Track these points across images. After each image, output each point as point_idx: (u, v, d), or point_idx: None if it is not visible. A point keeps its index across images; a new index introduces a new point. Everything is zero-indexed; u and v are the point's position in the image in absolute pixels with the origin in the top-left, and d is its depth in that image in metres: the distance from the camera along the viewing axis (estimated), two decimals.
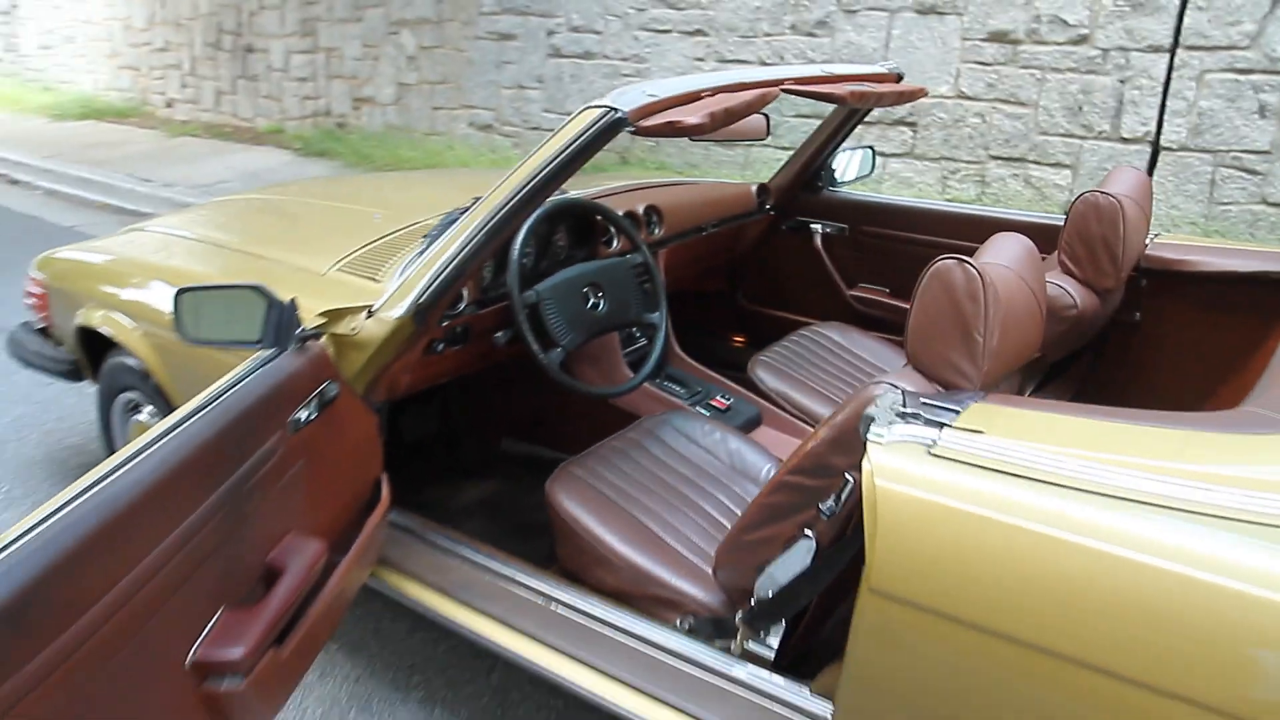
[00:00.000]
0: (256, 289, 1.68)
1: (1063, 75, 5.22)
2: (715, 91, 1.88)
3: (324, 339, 1.85)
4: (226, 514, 1.47)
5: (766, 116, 2.53)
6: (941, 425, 1.35)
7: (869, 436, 1.36)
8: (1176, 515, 1.15)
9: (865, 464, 1.33)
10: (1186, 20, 4.78)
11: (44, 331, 3.11)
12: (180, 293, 1.71)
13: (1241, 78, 4.69)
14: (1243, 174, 4.77)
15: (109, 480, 1.24)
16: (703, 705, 1.73)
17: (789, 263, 3.35)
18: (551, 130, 1.81)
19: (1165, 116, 4.90)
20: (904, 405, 1.40)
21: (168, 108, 11.25)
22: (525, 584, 1.98)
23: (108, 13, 11.81)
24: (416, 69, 8.52)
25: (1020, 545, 1.21)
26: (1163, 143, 4.92)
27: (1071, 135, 5.24)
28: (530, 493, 2.61)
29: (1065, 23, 5.15)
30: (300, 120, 9.68)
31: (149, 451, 1.33)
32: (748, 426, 2.64)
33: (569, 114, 1.80)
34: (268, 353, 1.72)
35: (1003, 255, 1.64)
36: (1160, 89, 4.88)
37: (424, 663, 2.44)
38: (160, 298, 2.48)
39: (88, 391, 4.02)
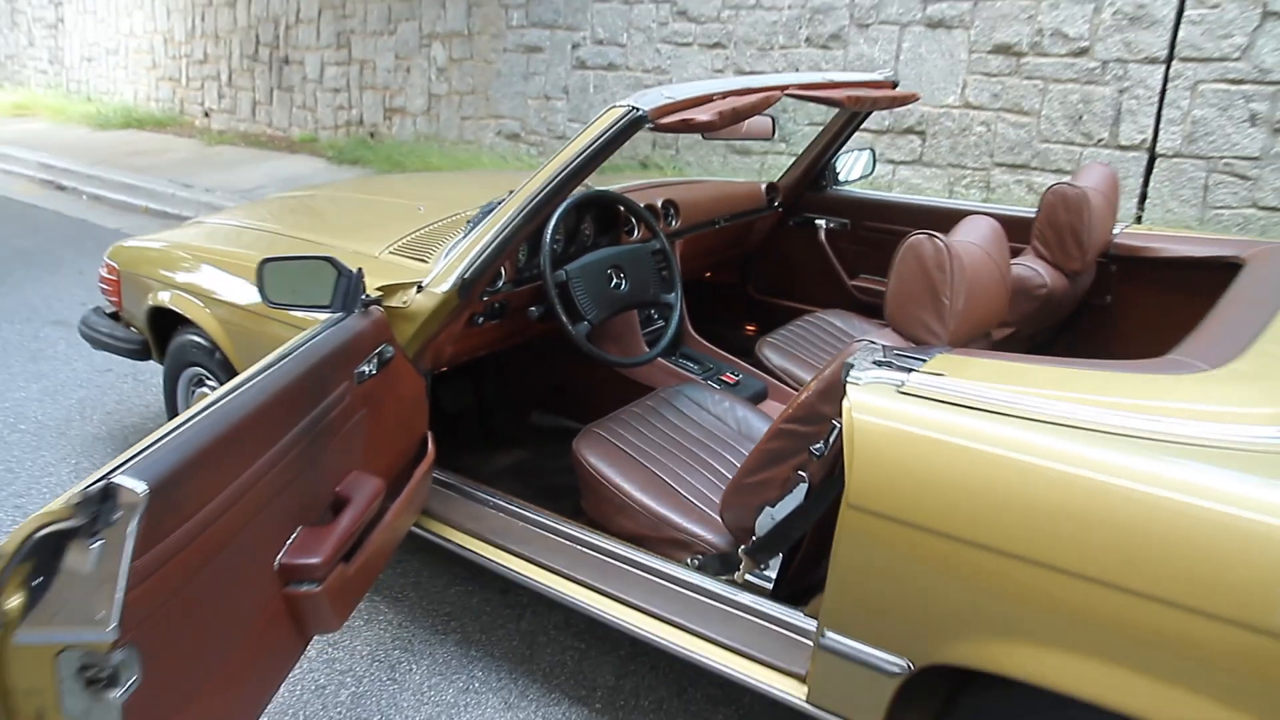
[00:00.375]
0: (329, 260, 1.96)
1: (1064, 86, 5.46)
2: (725, 95, 2.14)
3: (388, 300, 2.13)
4: (306, 446, 1.74)
5: (773, 119, 2.79)
6: (910, 370, 1.60)
7: (848, 380, 1.62)
8: (1096, 436, 1.40)
9: (845, 402, 1.58)
10: (1181, 33, 5.03)
11: (114, 316, 3.40)
12: (263, 263, 1.99)
13: (1233, 88, 4.92)
14: (1234, 179, 4.99)
15: (221, 403, 1.52)
16: (709, 626, 1.98)
17: (795, 256, 3.61)
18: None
19: (1161, 125, 5.18)
20: (880, 356, 1.66)
21: (205, 117, 11.64)
22: (554, 528, 2.24)
23: (150, 26, 12.23)
24: (446, 80, 8.84)
25: (971, 463, 1.47)
26: (1159, 149, 5.19)
27: (1072, 143, 5.47)
28: (557, 459, 2.87)
29: (1066, 36, 5.39)
30: (333, 129, 10.03)
31: (249, 384, 1.60)
32: (755, 399, 2.90)
33: None
34: (336, 315, 1.99)
35: (970, 234, 1.89)
36: (1156, 98, 5.15)
37: (460, 611, 2.70)
38: (226, 280, 2.77)
39: (142, 378, 4.34)
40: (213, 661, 1.49)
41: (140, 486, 1.23)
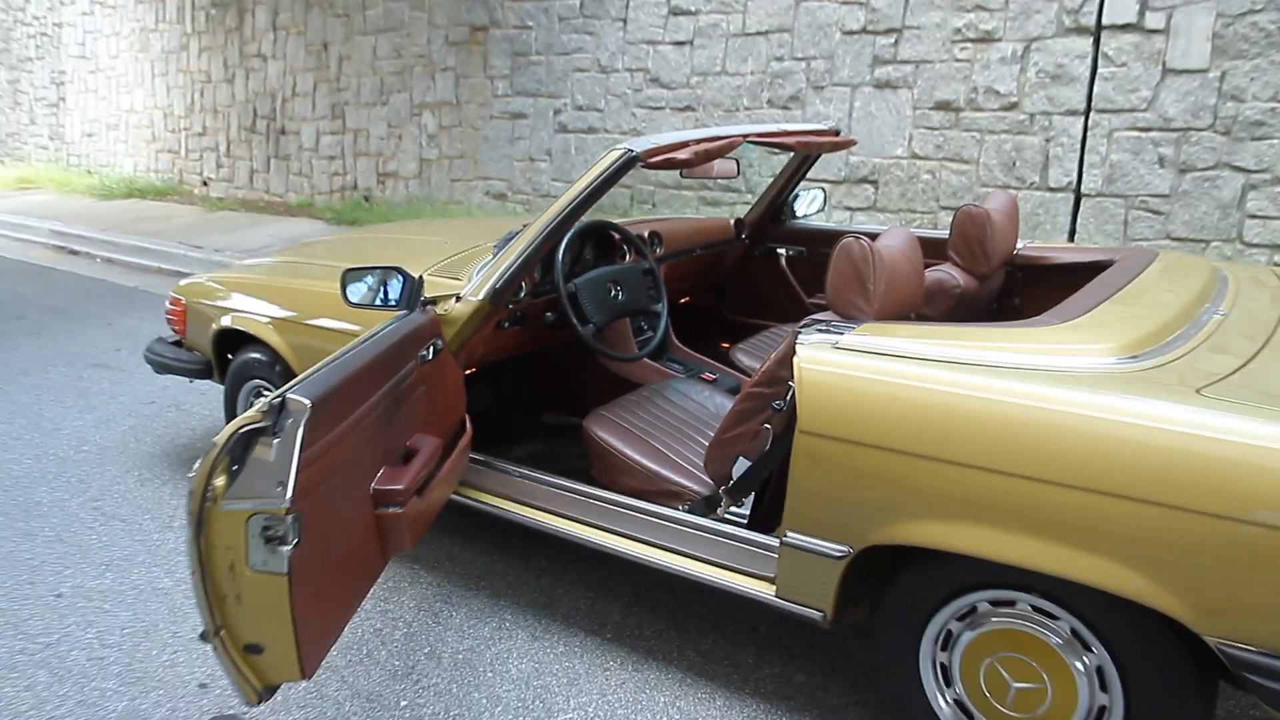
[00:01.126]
0: (397, 269, 2.53)
1: (998, 136, 6.15)
2: (700, 141, 2.74)
3: (435, 307, 2.69)
4: (389, 404, 2.28)
5: (737, 162, 3.40)
6: (843, 333, 2.18)
7: (798, 343, 2.19)
8: (974, 367, 1.97)
9: (796, 358, 2.15)
10: (1096, 88, 5.74)
11: (177, 344, 3.93)
12: (345, 272, 2.56)
13: (1143, 135, 5.62)
14: (1149, 214, 5.67)
15: (343, 359, 2.07)
16: (699, 550, 2.51)
17: (761, 280, 4.21)
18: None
19: (1084, 168, 5.86)
20: (822, 326, 2.24)
21: (204, 186, 12.25)
22: (571, 488, 2.77)
23: (150, 102, 12.90)
24: (437, 146, 9.50)
25: (888, 392, 2.03)
26: (1083, 190, 5.87)
27: (1008, 186, 6.14)
28: (566, 450, 3.41)
29: (998, 93, 6.10)
30: (329, 194, 10.65)
31: (356, 350, 2.16)
32: (730, 392, 3.45)
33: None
34: (402, 312, 2.55)
35: (890, 240, 2.47)
36: (1078, 146, 5.85)
37: (488, 574, 3.21)
38: (288, 302, 3.33)
39: (184, 408, 4.86)
40: (335, 549, 2.01)
41: (306, 400, 1.77)
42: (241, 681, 1.90)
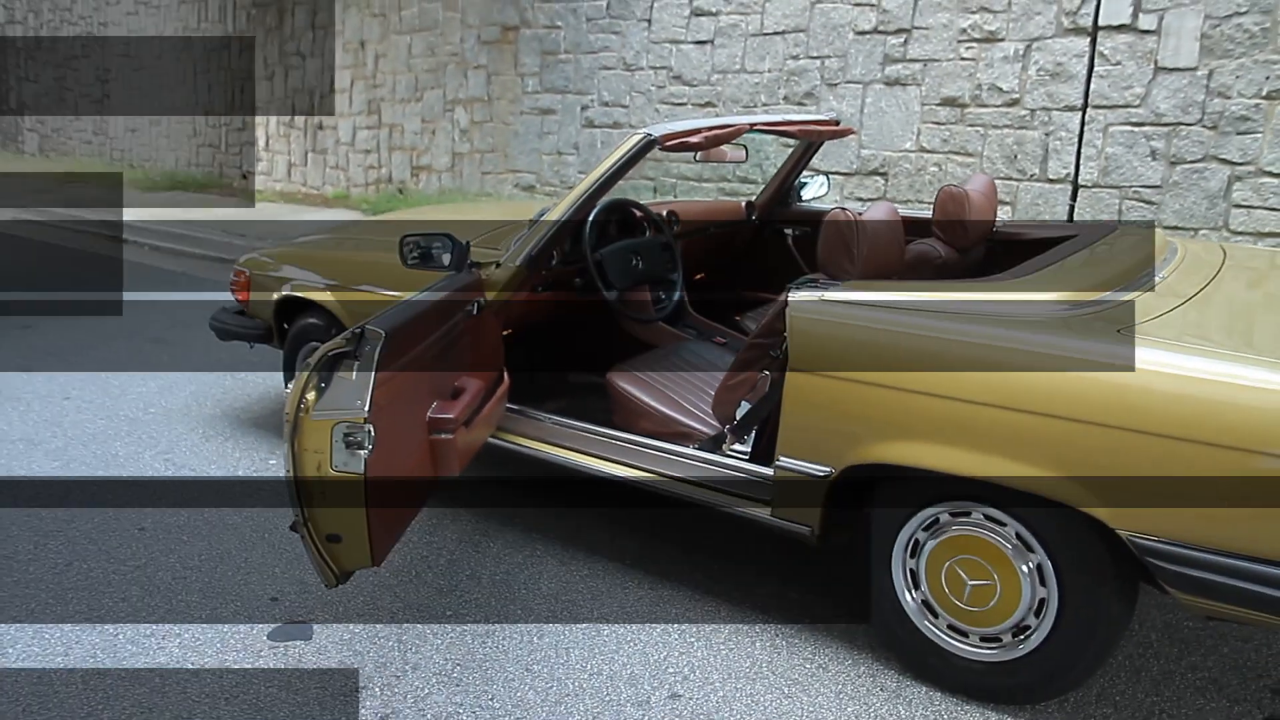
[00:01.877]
0: (448, 235, 2.93)
1: (1001, 131, 6.50)
2: (711, 128, 3.13)
3: (480, 270, 3.09)
4: (442, 347, 2.68)
5: (746, 149, 3.78)
6: (828, 287, 2.56)
7: (789, 297, 2.57)
8: (934, 312, 2.35)
9: (787, 307, 2.53)
10: (1092, 86, 6.08)
11: (240, 312, 4.35)
12: (403, 237, 2.96)
13: (1136, 129, 5.95)
14: (1142, 204, 6.00)
15: (412, 303, 2.47)
16: (705, 479, 2.89)
17: (770, 258, 4.59)
18: None
19: (1081, 161, 6.19)
20: (811, 283, 2.62)
21: (243, 179, 12.76)
22: (596, 430, 3.16)
23: (192, 100, 13.44)
24: (469, 140, 9.93)
25: (864, 332, 2.41)
26: (1080, 182, 6.20)
27: (1010, 178, 6.49)
28: (591, 406, 3.79)
29: (1001, 89, 6.45)
30: (364, 187, 11.11)
31: (418, 298, 2.56)
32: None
33: None
34: (452, 272, 2.95)
35: (874, 212, 2.84)
36: (1076, 140, 6.18)
37: (520, 513, 3.61)
38: (338, 274, 3.74)
39: (239, 376, 5.29)
40: (400, 462, 2.41)
41: (381, 330, 2.17)
42: (323, 566, 2.30)
